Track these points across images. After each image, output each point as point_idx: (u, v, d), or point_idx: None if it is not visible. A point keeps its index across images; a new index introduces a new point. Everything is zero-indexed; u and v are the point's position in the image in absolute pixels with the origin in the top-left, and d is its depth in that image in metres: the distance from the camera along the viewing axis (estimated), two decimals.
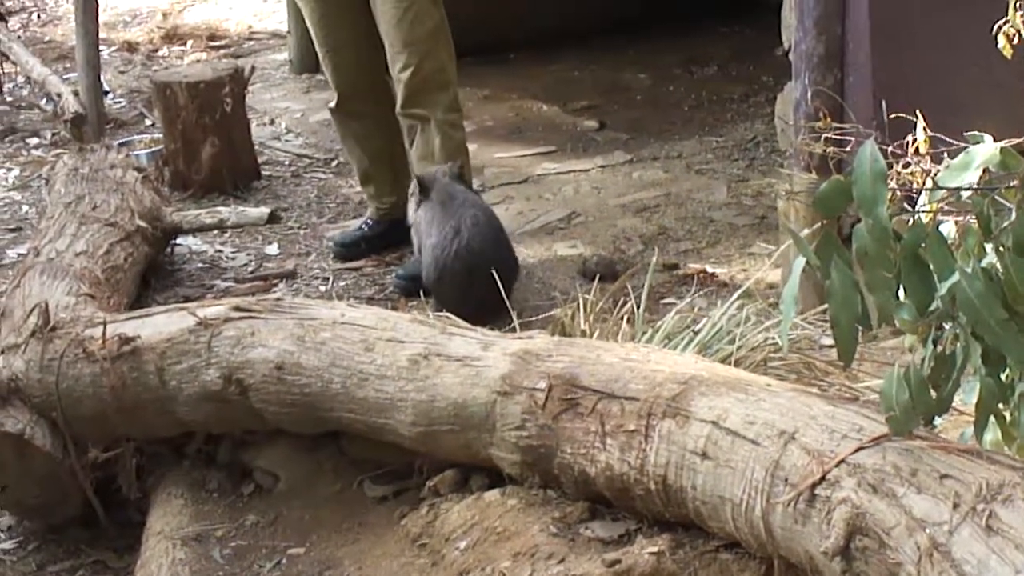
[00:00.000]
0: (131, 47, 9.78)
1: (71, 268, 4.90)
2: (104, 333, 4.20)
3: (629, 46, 8.77)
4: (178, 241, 6.19)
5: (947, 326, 2.64)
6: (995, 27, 3.01)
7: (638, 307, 4.25)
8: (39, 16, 10.92)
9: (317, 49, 6.07)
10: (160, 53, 9.70)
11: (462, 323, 3.92)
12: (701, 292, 5.20)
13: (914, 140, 2.88)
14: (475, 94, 7.98)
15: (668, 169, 6.91)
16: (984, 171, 2.65)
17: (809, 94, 4.81)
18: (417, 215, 5.57)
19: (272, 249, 6.36)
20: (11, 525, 4.51)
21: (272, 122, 8.11)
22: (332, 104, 6.10)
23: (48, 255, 5.00)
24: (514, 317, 4.42)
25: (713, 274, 5.65)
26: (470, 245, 5.34)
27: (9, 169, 7.67)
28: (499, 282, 4.89)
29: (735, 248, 5.93)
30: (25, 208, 7.07)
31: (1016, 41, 2.99)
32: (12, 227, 6.84)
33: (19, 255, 6.25)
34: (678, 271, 5.71)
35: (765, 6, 7.28)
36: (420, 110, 5.74)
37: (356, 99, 5.99)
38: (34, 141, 8.10)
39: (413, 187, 5.64)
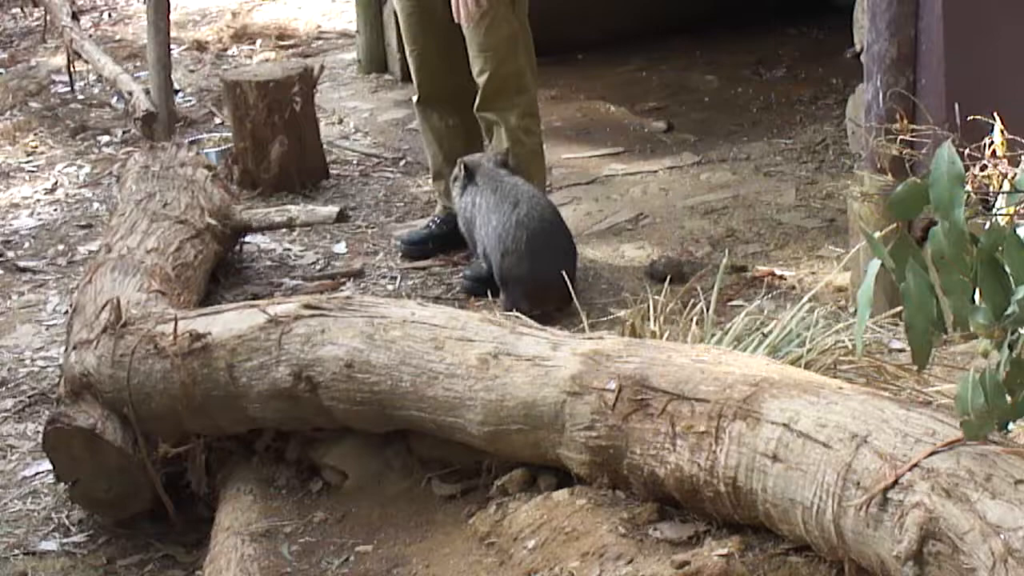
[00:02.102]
0: (201, 46, 9.84)
1: (142, 265, 4.93)
2: (175, 329, 4.23)
3: (697, 47, 8.73)
4: (247, 239, 6.23)
5: (1023, 331, 2.61)
6: None
7: (707, 309, 4.24)
8: (110, 15, 11.01)
9: (405, 45, 6.15)
10: (229, 52, 9.75)
11: (532, 323, 3.92)
12: (769, 295, 5.17)
13: (991, 142, 2.86)
14: (543, 94, 7.94)
15: (736, 171, 6.88)
16: None
17: (881, 96, 4.78)
18: (467, 204, 5.67)
19: (340, 248, 6.38)
20: (82, 519, 4.54)
21: (340, 121, 8.13)
22: (415, 98, 6.15)
23: (119, 252, 5.04)
24: (583, 317, 4.42)
25: (781, 276, 5.62)
26: (530, 213, 5.49)
27: (80, 166, 7.73)
28: (561, 255, 5.34)
29: (803, 251, 5.89)
30: (96, 205, 7.13)
31: None
32: (83, 224, 6.90)
33: (90, 252, 6.31)
34: (746, 273, 5.67)
35: (834, 8, 7.25)
36: (493, 114, 5.79)
37: (437, 99, 6.05)
38: (105, 139, 8.17)
39: (457, 171, 5.74)
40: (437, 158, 6.12)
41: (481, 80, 5.75)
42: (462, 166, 5.70)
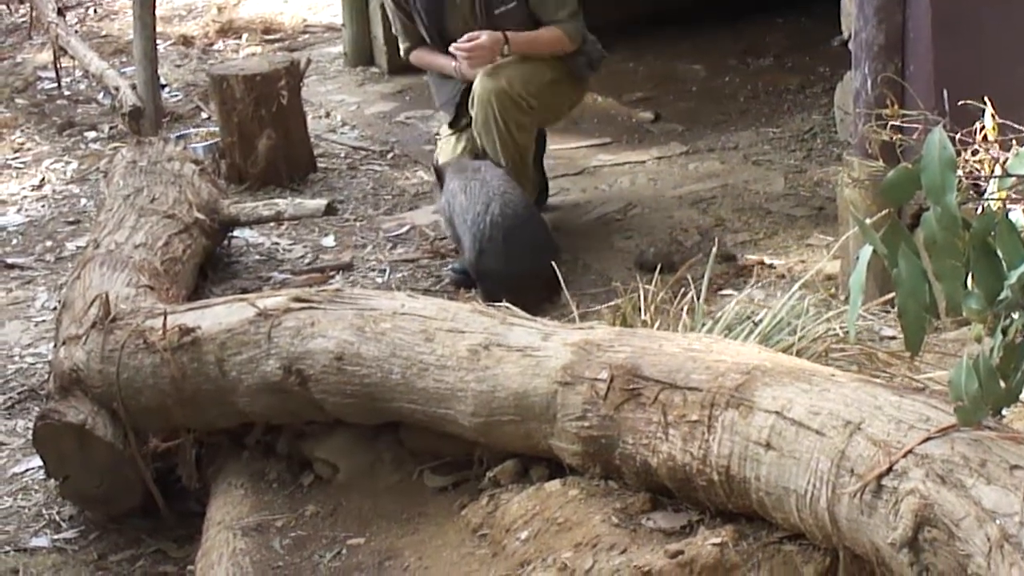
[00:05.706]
0: (187, 41, 9.82)
1: (130, 260, 4.92)
2: (164, 324, 4.21)
3: (684, 37, 8.71)
4: (235, 233, 6.22)
5: (1016, 315, 2.61)
6: None
7: (697, 298, 4.23)
8: (96, 10, 10.97)
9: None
10: (216, 47, 9.73)
11: (522, 313, 3.91)
12: (759, 284, 5.16)
13: (982, 128, 2.85)
14: None
15: (725, 160, 6.87)
16: None
17: (870, 83, 4.78)
18: (444, 206, 5.70)
19: (328, 241, 6.37)
20: (72, 515, 4.53)
21: (327, 115, 8.12)
22: None
23: (108, 247, 5.03)
24: (574, 307, 4.41)
25: (771, 265, 5.62)
26: (503, 211, 5.48)
27: (68, 162, 7.71)
28: (539, 249, 5.37)
29: (793, 239, 5.89)
30: (84, 201, 7.11)
31: None
32: (71, 220, 6.88)
33: (78, 247, 6.29)
34: (736, 262, 5.67)
35: None
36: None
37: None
38: (92, 135, 8.14)
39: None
40: None
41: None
42: (432, 170, 5.71)
